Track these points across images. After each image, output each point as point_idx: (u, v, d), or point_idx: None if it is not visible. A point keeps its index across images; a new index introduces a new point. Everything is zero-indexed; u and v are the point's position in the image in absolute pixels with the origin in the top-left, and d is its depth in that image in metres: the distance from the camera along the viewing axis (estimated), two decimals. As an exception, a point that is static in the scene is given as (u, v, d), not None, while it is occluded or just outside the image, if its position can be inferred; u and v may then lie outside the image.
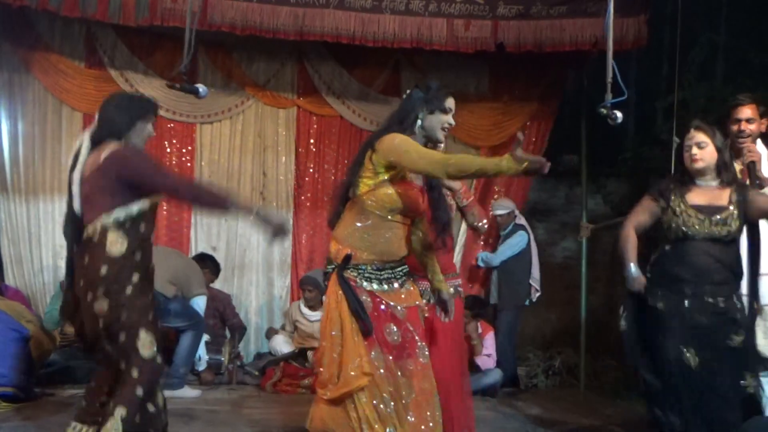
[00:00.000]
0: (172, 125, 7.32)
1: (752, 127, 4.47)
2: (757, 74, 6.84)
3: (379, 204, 3.34)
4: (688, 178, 3.97)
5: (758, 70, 6.91)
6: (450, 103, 3.48)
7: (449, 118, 3.48)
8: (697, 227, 3.83)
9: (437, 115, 3.44)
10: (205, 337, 6.54)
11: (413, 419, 3.23)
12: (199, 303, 6.34)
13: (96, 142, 3.60)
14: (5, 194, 6.95)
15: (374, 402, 3.18)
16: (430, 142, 3.49)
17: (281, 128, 7.51)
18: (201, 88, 4.00)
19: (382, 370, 3.22)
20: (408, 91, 3.58)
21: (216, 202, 3.56)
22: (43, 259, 6.96)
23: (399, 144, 3.26)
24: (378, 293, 3.33)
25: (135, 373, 3.39)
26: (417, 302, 3.47)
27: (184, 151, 7.37)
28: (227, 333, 6.88)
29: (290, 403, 5.55)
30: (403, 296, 3.40)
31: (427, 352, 3.37)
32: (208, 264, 6.88)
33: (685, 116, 6.72)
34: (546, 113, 7.69)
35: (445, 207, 3.69)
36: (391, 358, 3.25)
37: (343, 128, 7.60)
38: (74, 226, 3.59)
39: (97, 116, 3.71)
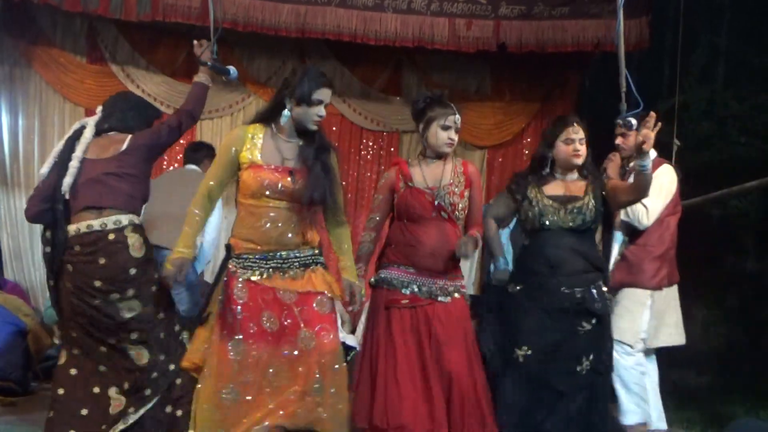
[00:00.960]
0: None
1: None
2: (758, 77, 6.84)
3: (242, 191, 3.38)
4: (549, 171, 3.99)
5: (759, 73, 6.90)
6: (322, 94, 3.39)
7: (320, 110, 3.40)
8: (552, 217, 3.85)
9: (303, 107, 3.37)
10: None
11: (272, 405, 3.22)
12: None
13: (100, 133, 3.72)
14: (5, 188, 6.96)
15: (217, 391, 3.21)
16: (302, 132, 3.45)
17: (282, 125, 7.50)
18: (232, 69, 4.01)
19: (238, 357, 3.23)
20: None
21: (201, 99, 3.95)
22: (42, 253, 6.96)
23: None
24: (259, 282, 3.30)
25: (173, 366, 3.56)
26: (318, 289, 3.37)
27: (183, 146, 7.36)
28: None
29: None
30: (299, 282, 3.35)
31: (313, 343, 3.27)
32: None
33: (686, 119, 6.74)
34: (555, 115, 7.65)
35: (322, 184, 3.41)
36: (255, 346, 3.25)
37: (343, 127, 7.61)
38: (56, 206, 3.62)
39: (105, 109, 3.83)
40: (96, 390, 3.57)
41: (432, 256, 3.78)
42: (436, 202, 3.79)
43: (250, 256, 3.35)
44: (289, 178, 3.34)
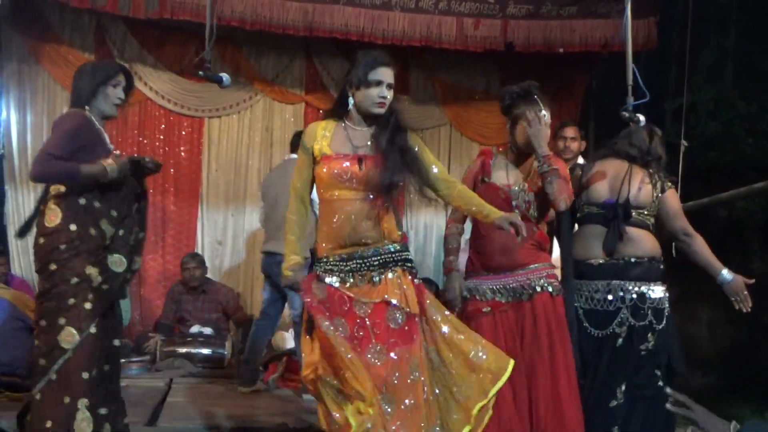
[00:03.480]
0: (180, 119, 7.33)
1: (575, 145, 5.25)
2: (765, 78, 6.82)
3: (318, 187, 3.33)
4: None
5: (767, 74, 6.89)
6: (378, 74, 3.30)
7: (381, 90, 3.30)
8: None
9: (363, 90, 3.30)
10: (208, 330, 6.56)
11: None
12: None
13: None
14: (13, 184, 6.98)
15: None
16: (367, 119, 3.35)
17: (289, 124, 7.52)
18: (225, 77, 3.99)
19: (339, 331, 3.12)
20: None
21: (63, 176, 3.56)
22: (50, 249, 6.98)
23: None
24: (338, 288, 3.21)
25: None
26: (390, 299, 3.20)
27: (192, 145, 7.38)
28: (231, 327, 6.89)
29: (292, 398, 5.56)
30: (375, 289, 3.22)
31: (382, 356, 3.10)
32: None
33: (693, 120, 6.72)
34: (562, 115, 7.65)
35: (401, 170, 3.28)
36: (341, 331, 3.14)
37: (350, 125, 7.60)
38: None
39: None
40: None
41: (503, 253, 3.62)
42: (513, 203, 3.64)
43: (331, 258, 3.26)
44: (356, 166, 3.24)
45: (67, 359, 3.51)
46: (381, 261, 3.27)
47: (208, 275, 6.94)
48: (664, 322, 3.58)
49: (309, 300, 3.20)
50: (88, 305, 3.55)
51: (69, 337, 3.51)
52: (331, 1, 6.43)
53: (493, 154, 3.84)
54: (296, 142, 5.08)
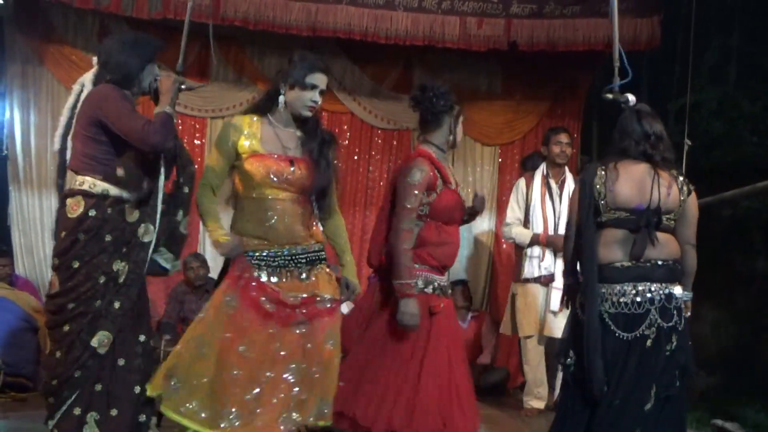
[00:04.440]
0: (183, 119, 7.32)
1: (569, 150, 5.90)
2: (769, 78, 6.83)
3: (244, 183, 3.35)
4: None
5: (771, 75, 6.89)
6: (315, 78, 3.38)
7: (314, 95, 3.37)
8: None
9: (297, 91, 3.36)
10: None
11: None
12: None
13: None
14: (17, 185, 6.98)
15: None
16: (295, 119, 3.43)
17: (291, 123, 7.51)
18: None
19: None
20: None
21: (171, 126, 3.44)
22: (54, 250, 6.99)
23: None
24: (265, 283, 3.28)
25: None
26: (322, 293, 3.35)
27: (195, 145, 7.38)
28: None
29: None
30: (305, 285, 3.34)
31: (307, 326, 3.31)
32: None
33: (697, 119, 6.71)
34: (565, 114, 7.65)
35: (325, 175, 3.42)
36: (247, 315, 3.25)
37: (353, 125, 7.61)
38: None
39: (98, 59, 3.60)
40: None
41: (455, 256, 3.84)
42: (468, 205, 3.86)
43: (257, 254, 3.31)
44: (289, 168, 3.31)
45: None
46: (308, 259, 3.38)
47: (210, 275, 6.93)
48: (684, 322, 3.57)
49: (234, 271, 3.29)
50: (117, 304, 3.37)
51: (106, 341, 3.34)
52: (334, 1, 6.43)
53: (432, 155, 3.79)
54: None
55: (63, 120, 3.59)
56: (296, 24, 6.44)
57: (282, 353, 3.26)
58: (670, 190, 3.59)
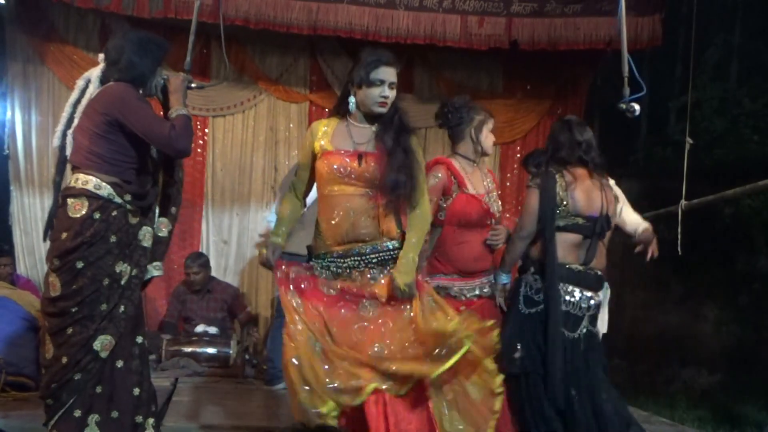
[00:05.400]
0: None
1: None
2: (771, 76, 6.83)
3: (318, 182, 3.39)
4: None
5: (772, 72, 6.89)
6: (381, 73, 3.35)
7: (383, 90, 3.35)
8: None
9: (365, 89, 3.37)
10: (213, 330, 6.56)
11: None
12: None
13: (105, 84, 3.45)
14: (18, 184, 6.98)
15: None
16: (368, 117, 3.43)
17: (293, 123, 7.51)
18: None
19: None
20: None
21: (192, 129, 3.39)
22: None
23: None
24: (329, 280, 3.30)
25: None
26: (379, 292, 3.29)
27: (196, 144, 7.37)
28: (236, 326, 6.90)
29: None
30: (373, 288, 3.30)
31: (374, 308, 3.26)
32: None
33: (699, 117, 6.72)
34: (566, 113, 7.64)
35: (405, 170, 3.33)
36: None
37: (354, 124, 7.60)
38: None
39: (106, 56, 3.51)
40: None
41: (476, 260, 3.86)
42: (492, 211, 3.90)
43: (328, 255, 3.32)
44: (356, 162, 3.28)
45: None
46: (379, 259, 3.31)
47: (213, 274, 6.94)
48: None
49: (278, 275, 3.33)
50: (122, 308, 3.34)
51: (108, 345, 3.31)
52: (335, 0, 6.43)
53: (452, 162, 3.93)
54: None
55: (64, 116, 3.49)
56: (297, 23, 6.44)
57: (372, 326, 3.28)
58: (612, 199, 3.86)
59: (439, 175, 3.84)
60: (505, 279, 3.92)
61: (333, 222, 3.28)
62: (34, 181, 6.97)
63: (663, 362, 7.49)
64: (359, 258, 3.28)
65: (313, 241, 3.41)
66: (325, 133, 3.39)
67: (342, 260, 3.29)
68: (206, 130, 7.38)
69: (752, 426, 5.44)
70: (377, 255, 3.30)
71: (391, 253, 3.32)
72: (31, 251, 6.96)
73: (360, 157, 3.30)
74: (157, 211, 3.56)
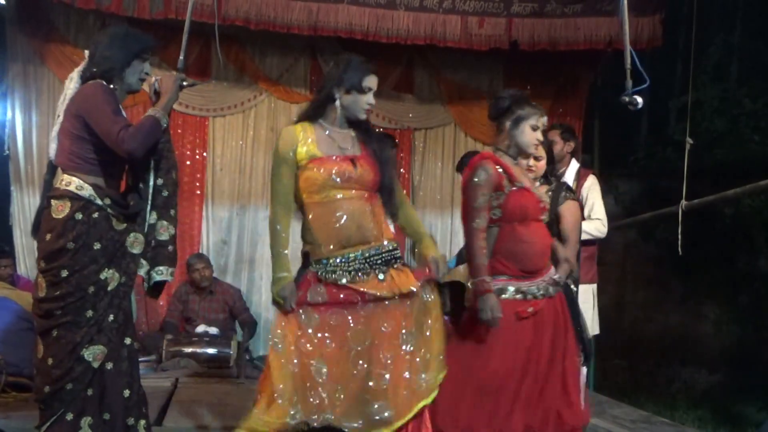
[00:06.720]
0: (184, 118, 7.33)
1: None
2: (771, 76, 6.83)
3: (307, 190, 3.31)
4: None
5: (772, 72, 6.89)
6: (370, 81, 3.40)
7: (369, 98, 3.39)
8: None
9: (354, 95, 3.38)
10: (213, 330, 6.56)
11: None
12: None
13: (85, 81, 3.41)
14: (18, 185, 6.98)
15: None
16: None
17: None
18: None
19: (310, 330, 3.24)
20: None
21: (154, 132, 3.32)
22: (55, 249, 6.99)
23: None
24: (347, 284, 3.26)
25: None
26: (399, 289, 3.30)
27: (196, 144, 7.39)
28: (237, 327, 6.89)
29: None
30: (386, 285, 3.30)
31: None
32: None
33: (699, 117, 6.72)
34: (566, 113, 7.64)
35: (389, 170, 3.44)
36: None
37: (355, 124, 7.60)
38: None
39: (89, 52, 3.49)
40: None
41: (541, 256, 3.70)
42: (541, 204, 3.73)
43: (332, 260, 3.29)
44: (351, 166, 3.31)
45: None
46: (384, 259, 3.33)
47: (214, 275, 6.95)
48: None
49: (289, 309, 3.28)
50: (111, 317, 3.33)
51: (100, 355, 3.31)
52: (335, 1, 6.43)
53: (497, 156, 3.76)
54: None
55: (57, 116, 3.51)
56: (297, 23, 6.44)
57: (382, 329, 3.28)
58: None
59: (488, 169, 3.64)
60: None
61: (337, 226, 3.27)
62: (34, 181, 6.96)
63: (663, 362, 7.49)
64: (364, 260, 3.28)
65: (307, 247, 3.38)
66: (305, 138, 3.34)
67: (348, 264, 3.28)
68: (206, 130, 7.39)
69: (752, 426, 5.44)
70: (381, 256, 3.32)
71: (392, 252, 3.35)
72: (32, 251, 6.95)
73: (353, 161, 3.33)
74: (147, 216, 3.51)
